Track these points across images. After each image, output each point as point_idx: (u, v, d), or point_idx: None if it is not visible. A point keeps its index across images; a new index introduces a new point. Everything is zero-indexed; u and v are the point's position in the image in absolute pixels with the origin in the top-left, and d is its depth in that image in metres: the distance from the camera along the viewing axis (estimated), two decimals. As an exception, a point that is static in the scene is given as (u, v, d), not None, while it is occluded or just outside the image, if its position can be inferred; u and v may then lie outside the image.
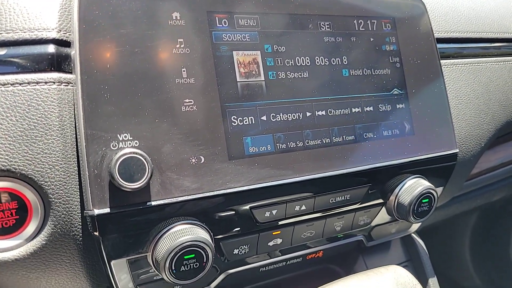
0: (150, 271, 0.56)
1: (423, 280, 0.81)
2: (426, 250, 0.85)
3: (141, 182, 0.49)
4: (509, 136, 1.01)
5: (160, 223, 0.53)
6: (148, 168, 0.49)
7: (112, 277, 0.54)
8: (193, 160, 0.54)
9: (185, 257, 0.52)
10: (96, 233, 0.50)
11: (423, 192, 0.69)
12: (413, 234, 0.87)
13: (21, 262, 0.51)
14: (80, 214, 0.53)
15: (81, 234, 0.53)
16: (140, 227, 0.52)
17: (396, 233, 0.78)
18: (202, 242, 0.53)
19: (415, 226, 0.81)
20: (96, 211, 0.49)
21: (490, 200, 1.09)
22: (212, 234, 0.57)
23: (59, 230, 0.52)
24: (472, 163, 0.84)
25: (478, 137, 0.83)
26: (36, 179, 0.50)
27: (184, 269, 0.53)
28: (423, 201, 0.70)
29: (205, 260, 0.54)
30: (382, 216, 0.74)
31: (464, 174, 0.85)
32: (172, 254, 0.51)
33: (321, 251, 0.73)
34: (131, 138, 0.51)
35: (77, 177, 0.53)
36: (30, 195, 0.51)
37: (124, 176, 0.48)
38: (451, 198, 0.91)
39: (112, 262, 0.53)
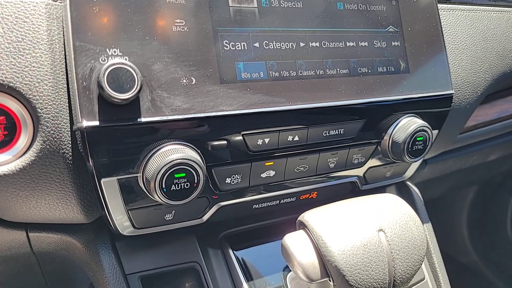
0: (142, 196, 0.56)
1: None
2: (422, 198, 0.85)
3: (131, 94, 0.48)
4: (508, 91, 1.00)
5: (151, 144, 0.53)
6: (138, 80, 0.48)
7: (102, 197, 0.54)
8: (184, 81, 0.54)
9: (176, 175, 0.52)
10: (86, 149, 0.50)
11: (418, 129, 0.69)
12: (408, 183, 0.86)
13: (11, 178, 0.51)
14: (69, 132, 0.52)
15: (70, 153, 0.53)
16: (130, 146, 0.52)
17: (391, 177, 0.78)
18: (192, 161, 0.52)
19: (410, 172, 0.80)
20: (85, 123, 0.48)
21: (486, 159, 1.08)
22: (204, 159, 0.56)
23: (48, 146, 0.51)
24: (467, 111, 0.83)
25: (474, 84, 0.82)
26: (24, 92, 0.49)
27: (174, 188, 0.52)
28: (418, 139, 0.70)
29: (196, 181, 0.53)
30: (377, 158, 0.73)
31: (460, 122, 0.84)
32: (163, 171, 0.51)
33: (315, 192, 0.72)
34: (121, 54, 0.50)
35: (67, 94, 0.52)
36: (18, 110, 0.50)
37: (113, 86, 0.47)
38: (446, 149, 0.90)
39: (102, 181, 0.52)
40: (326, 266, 0.50)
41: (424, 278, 0.76)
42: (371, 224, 0.52)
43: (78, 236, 0.63)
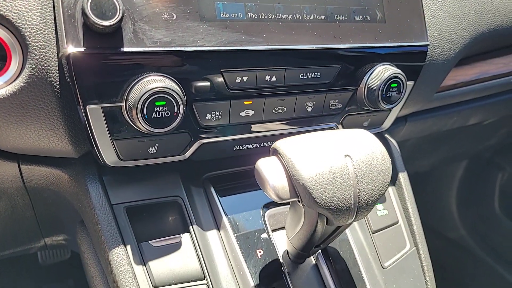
0: (126, 127, 0.60)
1: (393, 174, 0.84)
2: (398, 149, 0.88)
3: (113, 21, 0.51)
4: (490, 54, 1.03)
5: (133, 75, 0.56)
6: (120, 9, 0.52)
7: (89, 126, 0.57)
8: (165, 16, 0.57)
9: (156, 103, 0.56)
10: (71, 75, 0.53)
11: (392, 76, 0.72)
12: (387, 136, 0.90)
13: (2, 103, 0.54)
14: (57, 62, 0.56)
15: (58, 82, 0.56)
16: (113, 75, 0.55)
17: (369, 127, 0.81)
18: (172, 90, 0.56)
19: (388, 123, 0.84)
20: (70, 49, 0.52)
21: (466, 122, 1.11)
22: (185, 92, 0.60)
23: (36, 74, 0.55)
24: (444, 68, 0.86)
25: (451, 41, 0.85)
26: (13, 20, 0.53)
27: (156, 116, 0.56)
28: (392, 86, 0.73)
29: (176, 110, 0.57)
30: (355, 106, 0.77)
31: (437, 78, 0.87)
32: (144, 98, 0.55)
33: (294, 137, 0.76)
34: (102, -13, 0.53)
35: (54, 26, 0.55)
36: (8, 39, 0.54)
37: (96, 13, 0.51)
38: (424, 107, 0.93)
39: (88, 108, 0.56)
40: (295, 186, 0.53)
41: (397, 222, 0.80)
42: (339, 150, 0.55)
43: (67, 169, 0.67)
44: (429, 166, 1.71)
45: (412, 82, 0.79)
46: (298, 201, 0.55)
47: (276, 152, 0.56)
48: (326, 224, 0.58)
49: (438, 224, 2.11)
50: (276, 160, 0.56)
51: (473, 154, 1.89)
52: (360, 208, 0.55)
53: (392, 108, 0.76)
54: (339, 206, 0.53)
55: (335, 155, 0.55)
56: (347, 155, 0.55)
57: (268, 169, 0.55)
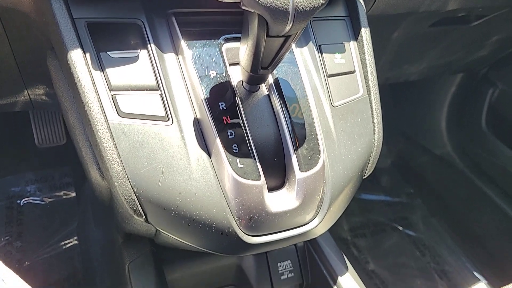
0: None
1: (356, 29, 0.86)
2: (364, 7, 0.89)
3: None
4: None
5: None
6: None
7: None
8: None
9: None
10: None
11: None
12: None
13: None
14: None
15: None
16: None
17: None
18: None
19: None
20: None
21: (446, 6, 1.11)
22: None
23: None
24: None
25: None
26: None
27: None
28: None
29: None
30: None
31: None
32: None
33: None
34: None
35: None
36: None
37: None
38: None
39: None
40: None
41: (354, 71, 0.83)
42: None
43: None
44: (419, 74, 1.71)
45: None
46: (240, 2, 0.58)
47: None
48: (268, 35, 0.61)
49: (427, 142, 2.15)
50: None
51: (468, 68, 1.88)
52: (298, 13, 0.58)
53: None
54: (276, 5, 0.56)
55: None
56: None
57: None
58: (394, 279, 1.70)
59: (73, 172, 1.79)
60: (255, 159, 0.67)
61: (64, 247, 1.57)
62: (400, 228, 1.92)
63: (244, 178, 0.66)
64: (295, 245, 0.98)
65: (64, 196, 1.73)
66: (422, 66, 1.68)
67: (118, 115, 0.65)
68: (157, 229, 0.76)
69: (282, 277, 0.96)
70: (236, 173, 0.65)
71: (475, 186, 1.93)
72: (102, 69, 0.67)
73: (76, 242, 1.58)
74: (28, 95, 1.03)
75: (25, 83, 0.98)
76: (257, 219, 0.67)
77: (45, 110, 1.58)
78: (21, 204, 1.67)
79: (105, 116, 0.64)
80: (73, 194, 1.74)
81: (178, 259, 0.93)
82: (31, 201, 1.68)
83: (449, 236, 1.92)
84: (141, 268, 0.86)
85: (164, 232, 0.69)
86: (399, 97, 2.21)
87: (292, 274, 0.97)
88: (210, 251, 0.70)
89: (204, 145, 0.68)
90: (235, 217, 0.67)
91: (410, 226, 1.94)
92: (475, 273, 1.79)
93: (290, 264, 0.97)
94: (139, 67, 0.69)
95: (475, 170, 1.99)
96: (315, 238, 0.97)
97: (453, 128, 2.08)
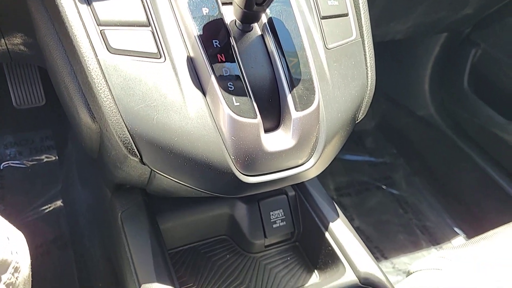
0: None
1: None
2: None
3: None
4: None
5: None
6: None
7: None
8: None
9: None
10: None
11: None
12: None
13: None
14: None
15: None
16: None
17: None
18: None
19: None
20: None
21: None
22: None
23: None
24: None
25: None
26: None
27: None
28: None
29: None
30: None
31: None
32: None
33: None
34: None
35: None
36: None
37: None
38: None
39: None
40: None
41: (347, 14, 0.82)
42: None
43: None
44: (405, 32, 1.71)
45: None
46: None
47: None
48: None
49: (410, 103, 2.18)
50: None
51: (452, 28, 1.89)
52: None
53: None
54: None
55: None
56: None
57: None
58: (378, 235, 1.75)
59: (54, 135, 1.74)
60: (250, 97, 0.66)
61: (48, 210, 1.54)
62: (384, 187, 1.96)
63: (240, 116, 0.64)
64: (286, 194, 0.99)
65: (46, 159, 1.68)
66: (409, 23, 1.67)
67: (108, 51, 0.62)
68: (151, 173, 0.75)
69: (274, 226, 0.97)
70: (232, 111, 0.64)
71: (456, 145, 1.98)
72: (88, 2, 0.63)
73: (61, 204, 1.55)
74: (6, 44, 0.97)
75: (2, 31, 0.93)
76: (254, 158, 0.67)
77: (23, 65, 1.52)
78: (1, 167, 1.62)
79: (95, 52, 0.62)
80: (55, 158, 1.70)
81: (171, 209, 0.92)
82: (12, 164, 1.64)
83: (431, 194, 1.98)
84: (134, 217, 0.85)
85: (160, 172, 0.67)
86: (383, 58, 2.21)
87: (284, 222, 0.98)
88: (206, 192, 0.70)
89: (198, 83, 0.66)
90: (231, 156, 0.66)
91: (393, 185, 1.98)
92: (455, 228, 1.86)
93: (282, 213, 0.97)
94: (128, 2, 0.66)
95: (456, 130, 2.03)
96: (306, 187, 0.98)
97: (436, 89, 2.11)
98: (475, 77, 1.92)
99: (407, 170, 2.06)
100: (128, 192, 0.90)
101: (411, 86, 2.16)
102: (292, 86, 0.69)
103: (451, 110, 2.06)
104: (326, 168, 0.78)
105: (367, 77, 0.81)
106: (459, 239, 1.81)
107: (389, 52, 2.19)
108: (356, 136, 2.14)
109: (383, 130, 2.24)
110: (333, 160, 0.79)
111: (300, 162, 0.72)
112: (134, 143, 0.63)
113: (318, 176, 0.82)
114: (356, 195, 1.89)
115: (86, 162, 1.38)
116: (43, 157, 1.68)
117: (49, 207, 1.55)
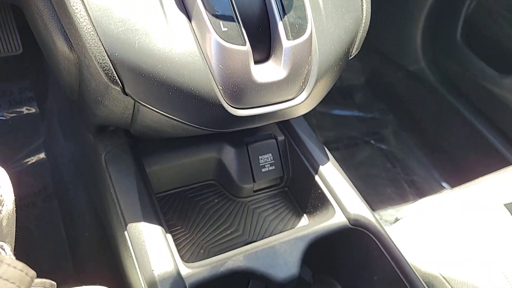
0: None
1: None
2: None
3: None
4: None
5: None
6: None
7: None
8: None
9: None
10: None
11: None
12: None
13: None
14: None
15: None
16: None
17: None
18: None
19: None
20: None
21: None
22: None
23: None
24: None
25: None
26: None
27: None
28: None
29: None
30: None
31: None
32: None
33: None
34: None
35: None
36: None
37: None
38: None
39: None
40: None
41: None
42: None
43: None
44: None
45: None
46: None
47: None
48: None
49: (402, 58, 2.14)
50: None
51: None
52: None
53: None
54: None
55: None
56: None
57: None
58: (366, 188, 1.75)
59: (34, 86, 1.67)
60: (239, 23, 0.62)
61: (31, 162, 1.50)
62: (372, 142, 1.96)
63: (228, 42, 0.60)
64: (276, 138, 0.96)
65: (26, 112, 1.62)
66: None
67: (83, -33, 0.57)
68: (134, 107, 0.71)
69: (263, 170, 0.95)
70: (220, 37, 0.60)
71: (446, 100, 1.97)
72: None
73: (44, 156, 1.51)
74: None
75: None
76: (243, 89, 0.63)
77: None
78: (-20, 120, 1.56)
79: (68, -31, 0.56)
80: (36, 110, 1.64)
81: (157, 152, 0.89)
82: (-9, 116, 1.58)
83: (419, 149, 1.98)
84: (118, 158, 0.81)
85: (144, 103, 0.64)
86: (373, 10, 2.15)
87: (273, 167, 0.96)
88: (193, 125, 0.67)
89: (183, 6, 0.61)
90: (219, 86, 0.62)
91: (382, 140, 1.98)
92: (442, 183, 1.87)
93: (272, 157, 0.95)
94: None
95: (446, 84, 2.01)
96: (296, 132, 0.96)
97: (428, 43, 2.07)
98: (469, 29, 1.88)
99: (396, 126, 2.05)
100: (111, 134, 0.86)
101: (403, 40, 2.11)
102: (283, 13, 0.65)
103: (443, 63, 2.03)
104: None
105: (362, 9, 0.77)
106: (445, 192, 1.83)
107: (380, 4, 2.13)
108: (346, 91, 2.10)
109: (372, 85, 2.21)
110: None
111: (291, 97, 0.69)
112: (114, 69, 0.59)
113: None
114: (345, 149, 1.88)
115: (68, 114, 1.33)
116: (23, 109, 1.62)
117: (32, 159, 1.50)
